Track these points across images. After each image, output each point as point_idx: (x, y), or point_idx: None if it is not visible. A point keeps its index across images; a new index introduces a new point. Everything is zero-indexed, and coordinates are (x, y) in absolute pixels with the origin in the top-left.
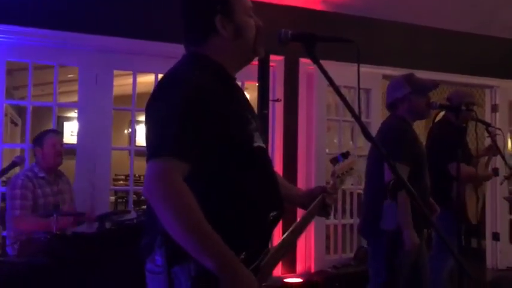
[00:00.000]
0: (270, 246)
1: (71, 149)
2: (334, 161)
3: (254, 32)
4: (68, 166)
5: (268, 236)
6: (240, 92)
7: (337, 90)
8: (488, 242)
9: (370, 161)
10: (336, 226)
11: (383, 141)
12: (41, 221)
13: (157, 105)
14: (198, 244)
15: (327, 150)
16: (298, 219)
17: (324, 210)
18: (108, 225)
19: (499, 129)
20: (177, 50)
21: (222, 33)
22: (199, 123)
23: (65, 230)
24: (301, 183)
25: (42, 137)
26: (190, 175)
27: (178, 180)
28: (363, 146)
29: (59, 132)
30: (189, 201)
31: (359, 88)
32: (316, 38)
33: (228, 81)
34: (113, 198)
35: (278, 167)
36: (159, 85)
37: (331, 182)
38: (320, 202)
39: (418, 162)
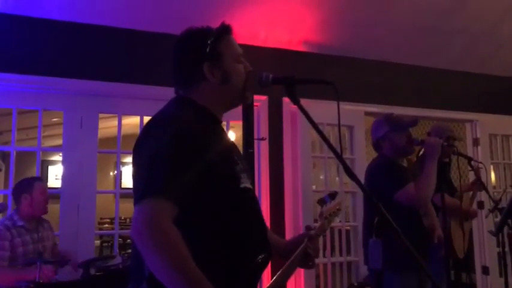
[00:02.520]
0: None
1: (55, 194)
2: (322, 202)
3: (243, 77)
4: (53, 210)
5: (257, 279)
6: (225, 134)
7: (317, 129)
8: (478, 276)
9: (363, 198)
10: (325, 265)
11: (374, 180)
12: (18, 273)
13: (145, 146)
14: (186, 286)
15: (314, 187)
16: (279, 271)
17: (306, 261)
18: (93, 271)
19: (481, 162)
20: (162, 92)
21: (210, 79)
22: (187, 164)
23: (48, 279)
24: (289, 220)
25: (30, 184)
26: (177, 217)
27: (166, 222)
28: (349, 182)
29: (44, 180)
30: (177, 242)
31: (339, 127)
32: (295, 80)
33: (215, 124)
34: (98, 242)
35: (265, 204)
36: (147, 126)
37: (319, 223)
38: (302, 251)
39: None
